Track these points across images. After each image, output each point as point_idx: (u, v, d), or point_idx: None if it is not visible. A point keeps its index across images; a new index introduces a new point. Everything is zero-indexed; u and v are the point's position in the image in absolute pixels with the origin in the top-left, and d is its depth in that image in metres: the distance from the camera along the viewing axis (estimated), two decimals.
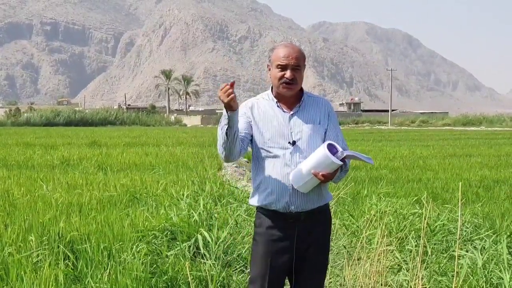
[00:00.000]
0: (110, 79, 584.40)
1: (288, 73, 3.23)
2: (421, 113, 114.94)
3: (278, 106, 3.32)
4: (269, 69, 3.34)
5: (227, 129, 3.14)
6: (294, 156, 3.24)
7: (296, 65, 3.24)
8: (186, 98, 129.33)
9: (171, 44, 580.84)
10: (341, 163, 3.09)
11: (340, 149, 3.13)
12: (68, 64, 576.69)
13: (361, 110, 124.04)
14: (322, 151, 3.08)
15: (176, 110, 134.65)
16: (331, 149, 3.09)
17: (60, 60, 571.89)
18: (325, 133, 3.34)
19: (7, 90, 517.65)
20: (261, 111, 3.34)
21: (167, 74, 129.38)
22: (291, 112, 3.31)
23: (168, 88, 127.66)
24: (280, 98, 3.34)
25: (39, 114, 76.01)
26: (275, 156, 3.26)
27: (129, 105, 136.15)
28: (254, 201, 3.41)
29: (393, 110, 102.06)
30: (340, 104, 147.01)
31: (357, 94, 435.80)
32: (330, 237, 3.52)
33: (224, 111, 3.13)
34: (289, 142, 3.25)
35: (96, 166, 14.34)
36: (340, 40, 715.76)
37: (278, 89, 3.29)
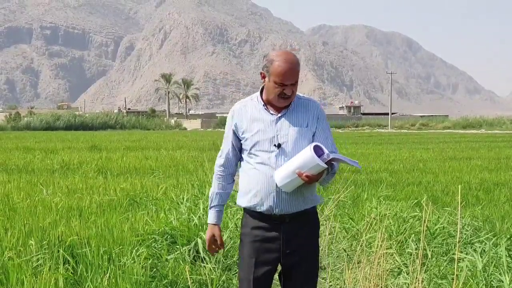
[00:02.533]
0: (110, 83, 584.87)
1: (287, 90, 3.22)
2: (421, 116, 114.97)
3: (265, 109, 3.31)
4: (264, 77, 3.29)
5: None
6: (279, 159, 3.22)
7: (295, 81, 3.24)
8: (186, 101, 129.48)
9: (171, 48, 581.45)
10: (326, 166, 3.06)
11: (326, 151, 3.10)
12: (68, 68, 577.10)
13: (361, 113, 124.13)
14: (308, 152, 3.05)
15: (176, 113, 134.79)
16: (317, 151, 3.06)
17: (60, 64, 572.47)
18: (314, 136, 3.32)
19: (7, 94, 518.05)
20: (248, 115, 3.34)
21: (167, 78, 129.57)
22: (279, 115, 3.29)
23: (168, 92, 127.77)
24: (269, 101, 3.32)
25: (39, 118, 76.08)
26: (261, 159, 3.26)
27: (129, 109, 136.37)
28: (240, 202, 3.43)
29: (393, 113, 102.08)
30: (340, 107, 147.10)
31: (357, 97, 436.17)
32: (319, 240, 3.50)
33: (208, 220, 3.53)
34: (274, 145, 3.23)
35: (96, 170, 14.34)
36: (340, 44, 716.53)
37: (274, 101, 3.28)
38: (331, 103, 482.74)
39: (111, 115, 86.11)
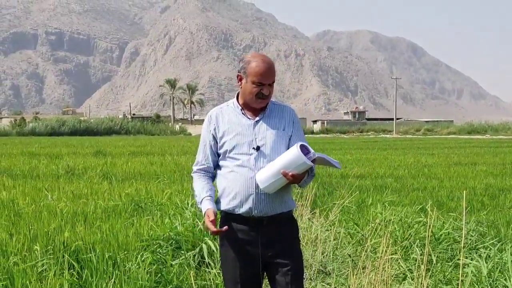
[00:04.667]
0: (115, 89, 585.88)
1: (265, 90, 3.30)
2: (426, 121, 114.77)
3: (242, 113, 3.38)
4: (240, 79, 3.36)
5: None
6: (258, 161, 3.28)
7: (272, 81, 3.33)
8: (191, 107, 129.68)
9: (176, 53, 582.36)
10: (312, 164, 3.12)
11: (312, 150, 3.16)
12: (73, 74, 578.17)
13: (366, 119, 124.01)
14: (294, 151, 3.10)
15: (181, 119, 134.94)
16: (303, 150, 3.12)
17: (65, 70, 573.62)
18: (290, 139, 3.39)
19: (12, 100, 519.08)
20: (225, 120, 3.40)
21: (172, 83, 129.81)
22: (256, 119, 3.36)
23: (173, 97, 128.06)
24: (245, 106, 3.40)
25: (44, 124, 76.41)
26: (240, 162, 3.31)
27: (134, 114, 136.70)
28: (219, 206, 3.45)
29: (398, 119, 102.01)
30: (344, 113, 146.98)
31: (361, 103, 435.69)
32: (299, 242, 3.51)
33: (203, 210, 3.36)
34: (253, 148, 3.29)
35: (101, 175, 14.36)
36: (345, 49, 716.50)
37: (251, 102, 3.35)
38: (336, 108, 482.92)
39: (116, 121, 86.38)
